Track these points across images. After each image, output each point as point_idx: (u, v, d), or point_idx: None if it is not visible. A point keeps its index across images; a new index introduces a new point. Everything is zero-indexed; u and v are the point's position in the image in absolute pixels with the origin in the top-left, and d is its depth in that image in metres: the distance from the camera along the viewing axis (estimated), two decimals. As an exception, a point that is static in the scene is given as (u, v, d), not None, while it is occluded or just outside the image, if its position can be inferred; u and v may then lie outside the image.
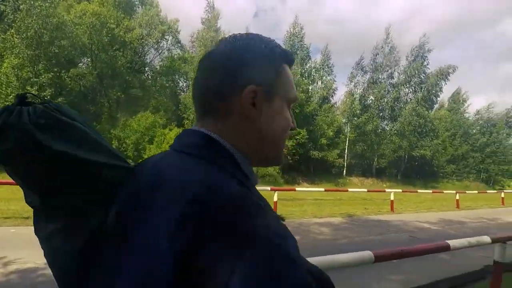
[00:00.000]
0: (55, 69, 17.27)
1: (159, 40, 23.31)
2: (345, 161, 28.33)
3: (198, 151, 0.50)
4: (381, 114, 29.59)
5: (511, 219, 11.18)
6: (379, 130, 28.87)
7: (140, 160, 0.62)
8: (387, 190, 12.73)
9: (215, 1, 27.40)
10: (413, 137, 28.91)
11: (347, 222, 8.86)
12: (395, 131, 28.92)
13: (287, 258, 0.38)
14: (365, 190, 13.45)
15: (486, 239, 3.15)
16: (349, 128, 28.32)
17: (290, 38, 26.43)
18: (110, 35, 19.15)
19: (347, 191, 13.34)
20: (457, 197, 14.07)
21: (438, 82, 29.88)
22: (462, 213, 12.25)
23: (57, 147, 0.47)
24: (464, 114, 39.05)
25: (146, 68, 23.87)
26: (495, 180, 35.56)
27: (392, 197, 11.76)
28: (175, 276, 0.38)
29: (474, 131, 37.48)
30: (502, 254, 3.27)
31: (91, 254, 0.49)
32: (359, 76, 29.18)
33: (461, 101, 39.15)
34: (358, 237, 7.15)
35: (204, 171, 0.46)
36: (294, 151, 23.51)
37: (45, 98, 0.75)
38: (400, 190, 13.22)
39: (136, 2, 23.11)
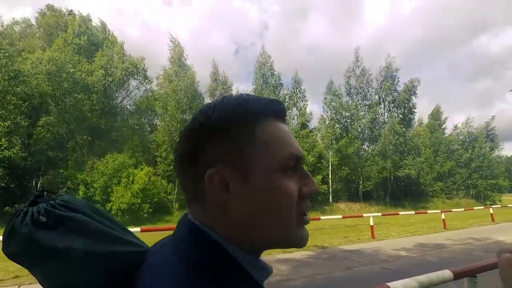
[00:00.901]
0: (17, 118, 16.67)
1: (126, 80, 22.97)
2: (330, 187, 27.37)
3: (183, 248, 0.44)
4: (360, 136, 29.29)
5: (500, 238, 10.28)
6: (361, 152, 28.35)
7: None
8: (364, 214, 11.71)
9: (179, 38, 27.72)
10: (396, 156, 28.46)
11: (314, 256, 7.78)
12: (377, 152, 28.48)
13: None
14: (340, 216, 12.38)
15: (447, 274, 2.36)
16: (331, 153, 27.75)
17: (260, 68, 26.60)
18: (70, 79, 18.70)
19: (319, 219, 12.27)
20: (443, 216, 13.15)
21: (409, 98, 30.22)
22: (448, 234, 11.29)
23: (56, 244, 0.46)
24: (444, 131, 39.37)
25: (118, 110, 23.22)
26: (485, 195, 34.85)
27: (371, 222, 10.77)
28: None
29: (456, 146, 37.40)
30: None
31: None
32: (332, 101, 29.20)
33: (441, 118, 39.64)
34: (320, 275, 6.09)
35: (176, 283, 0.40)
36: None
37: (61, 192, 0.52)
38: (380, 214, 12.23)
39: (95, 46, 22.84)
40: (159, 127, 21.46)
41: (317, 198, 27.24)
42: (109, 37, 23.85)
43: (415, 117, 35.28)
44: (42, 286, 0.51)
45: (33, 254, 0.47)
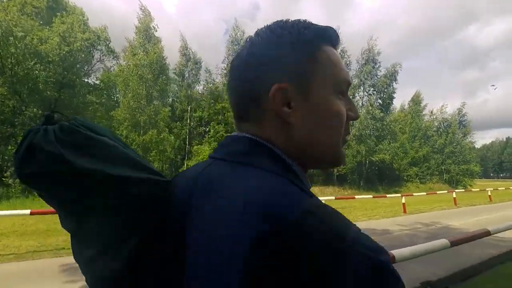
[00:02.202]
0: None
1: (88, 52, 21.16)
2: (303, 170, 27.01)
3: (249, 159, 0.46)
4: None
5: (451, 222, 9.92)
6: (335, 136, 27.88)
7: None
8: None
9: (149, 6, 25.63)
10: (371, 141, 28.10)
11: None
12: (353, 136, 28.01)
13: (392, 276, 0.35)
14: None
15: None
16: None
17: (232, 43, 25.21)
18: (19, 45, 16.93)
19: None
20: (403, 200, 12.78)
21: (389, 83, 29.48)
22: (403, 219, 10.89)
23: (88, 165, 0.44)
24: (424, 117, 39.37)
25: (77, 83, 21.44)
26: (457, 180, 35.39)
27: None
28: None
29: (432, 132, 37.56)
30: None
31: (133, 280, 0.46)
32: None
33: (421, 105, 39.54)
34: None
35: (266, 181, 0.41)
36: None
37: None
38: (333, 198, 11.69)
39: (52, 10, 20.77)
40: (120, 104, 20.00)
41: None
42: (69, 3, 21.76)
43: (396, 103, 35.04)
44: (61, 215, 0.49)
45: (58, 175, 0.43)
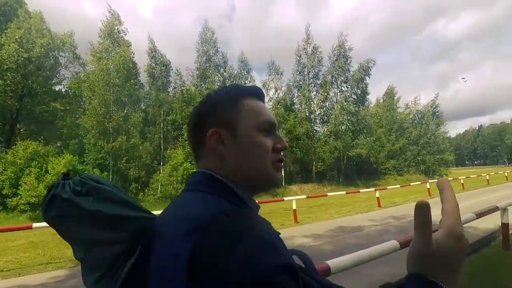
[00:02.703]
0: None
1: (49, 58, 19.99)
2: (282, 169, 26.73)
3: (200, 187, 0.60)
4: (312, 116, 28.60)
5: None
6: (311, 133, 27.75)
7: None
8: (285, 198, 10.83)
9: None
10: (347, 136, 28.27)
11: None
12: (328, 133, 28.09)
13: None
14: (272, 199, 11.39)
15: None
16: (280, 134, 26.93)
17: (202, 44, 24.60)
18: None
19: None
20: (377, 194, 12.70)
21: (362, 78, 29.77)
22: (376, 214, 10.78)
23: (91, 207, 0.59)
24: (398, 110, 40.17)
25: (38, 92, 20.14)
26: (433, 170, 36.32)
27: (294, 206, 9.89)
28: None
29: (407, 124, 38.39)
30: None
31: None
32: (275, 80, 28.08)
33: (395, 97, 40.34)
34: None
35: (204, 202, 0.55)
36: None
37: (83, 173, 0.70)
38: (304, 196, 11.44)
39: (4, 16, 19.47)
40: (86, 111, 18.93)
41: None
42: (25, 7, 20.46)
43: (370, 97, 35.49)
44: (74, 249, 0.63)
45: (73, 216, 0.59)
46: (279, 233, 0.53)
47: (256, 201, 0.64)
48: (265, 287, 0.40)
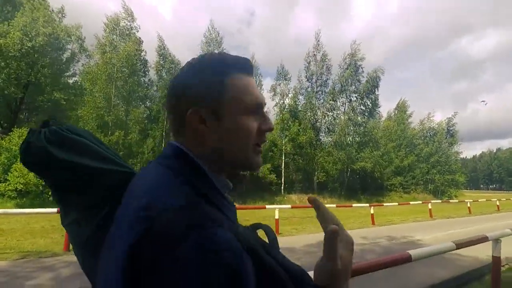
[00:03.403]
0: None
1: (52, 49, 20.01)
2: (283, 176, 26.00)
3: (167, 161, 0.59)
4: (317, 125, 27.82)
5: (419, 236, 9.06)
6: (314, 142, 26.93)
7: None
8: (268, 206, 10.20)
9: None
10: (352, 148, 27.34)
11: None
12: (333, 143, 27.26)
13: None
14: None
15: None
16: (283, 141, 26.23)
17: (207, 44, 24.32)
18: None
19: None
20: (372, 211, 11.91)
21: (371, 89, 28.84)
22: (367, 231, 10.02)
23: (65, 157, 0.63)
24: (410, 125, 38.89)
25: (42, 81, 20.18)
26: (442, 190, 34.75)
27: (276, 216, 9.25)
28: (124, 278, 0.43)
29: (419, 141, 37.01)
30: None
31: (97, 242, 0.57)
32: (282, 86, 27.49)
33: (406, 112, 39.10)
34: None
35: (165, 186, 0.52)
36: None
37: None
38: (289, 206, 10.76)
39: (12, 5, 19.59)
40: (86, 103, 18.86)
41: (271, 188, 25.88)
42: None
43: (379, 110, 34.45)
44: (52, 193, 0.68)
45: (46, 163, 0.63)
46: (238, 226, 0.54)
47: (229, 183, 0.63)
48: None
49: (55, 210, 6.42)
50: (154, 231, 0.44)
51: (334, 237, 0.55)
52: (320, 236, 6.19)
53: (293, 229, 10.15)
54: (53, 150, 0.63)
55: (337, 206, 12.59)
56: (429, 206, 14.59)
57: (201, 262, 0.41)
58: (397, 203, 14.78)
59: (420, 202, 16.05)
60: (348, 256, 0.57)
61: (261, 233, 0.60)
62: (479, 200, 20.62)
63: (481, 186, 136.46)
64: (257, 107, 0.62)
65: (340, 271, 0.55)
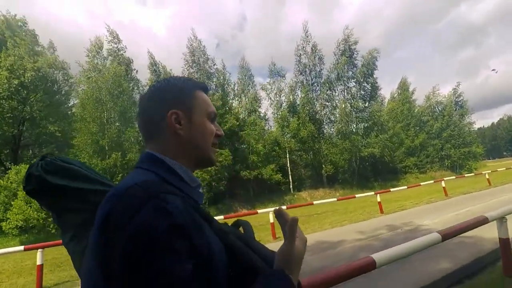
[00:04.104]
0: None
1: (43, 82, 20.05)
2: (290, 175, 25.27)
3: (142, 164, 0.70)
4: (317, 117, 26.93)
5: (427, 220, 8.27)
6: (316, 135, 26.06)
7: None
8: (259, 211, 9.58)
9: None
10: (357, 135, 26.35)
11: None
12: (335, 133, 26.35)
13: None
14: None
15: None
16: (285, 139, 25.50)
17: (191, 53, 23.91)
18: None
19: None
20: (379, 199, 11.11)
21: (369, 72, 27.76)
22: (370, 223, 9.26)
23: (58, 182, 0.79)
24: (414, 102, 37.43)
25: (35, 116, 20.21)
26: (460, 164, 33.13)
27: (271, 219, 8.63)
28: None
29: (427, 117, 35.50)
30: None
31: None
32: (277, 82, 26.79)
33: (409, 90, 37.66)
34: None
35: (134, 175, 0.64)
36: (219, 175, 20.29)
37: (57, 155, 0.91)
38: (284, 207, 10.06)
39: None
40: (79, 131, 18.75)
41: (280, 188, 25.19)
42: (19, 32, 20.77)
43: (381, 92, 33.29)
44: (51, 215, 0.86)
45: (43, 189, 0.79)
46: (198, 204, 0.67)
47: (196, 178, 0.74)
48: (147, 244, 0.50)
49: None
50: (121, 203, 0.54)
51: (295, 223, 0.66)
52: (318, 235, 5.34)
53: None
54: (48, 177, 0.79)
55: (338, 200, 11.73)
56: (443, 184, 13.59)
57: (154, 219, 0.51)
58: (406, 187, 13.81)
59: (432, 181, 15.02)
60: (301, 249, 0.66)
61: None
62: (498, 170, 19.34)
63: (504, 153, 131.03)
64: (214, 116, 0.80)
65: (294, 255, 0.64)
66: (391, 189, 12.90)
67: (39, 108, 20.24)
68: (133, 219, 0.51)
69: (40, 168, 0.78)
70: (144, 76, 25.18)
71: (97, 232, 0.54)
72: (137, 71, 26.11)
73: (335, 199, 11.71)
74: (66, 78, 21.65)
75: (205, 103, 0.78)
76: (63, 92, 22.71)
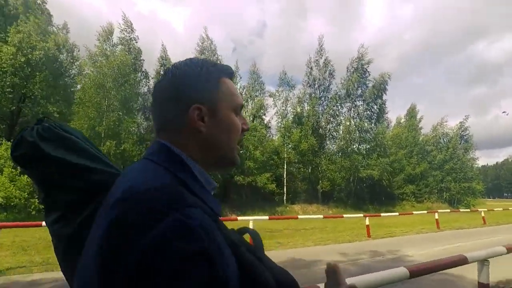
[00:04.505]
0: None
1: (51, 61, 20.03)
2: (285, 186, 24.89)
3: (153, 156, 0.59)
4: (320, 131, 26.63)
5: (413, 251, 7.89)
6: (317, 149, 25.73)
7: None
8: (240, 218, 9.30)
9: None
10: (358, 155, 25.97)
11: None
12: (336, 149, 26.02)
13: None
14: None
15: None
16: (285, 149, 25.21)
17: (201, 52, 23.86)
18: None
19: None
20: (367, 222, 10.73)
21: (378, 94, 27.54)
22: (355, 245, 8.90)
23: (54, 153, 0.65)
24: (421, 131, 37.05)
25: (36, 96, 20.16)
26: (458, 199, 32.49)
27: (251, 227, 8.30)
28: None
29: (431, 147, 35.04)
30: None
31: (78, 243, 0.56)
32: (285, 92, 26.64)
33: (417, 117, 37.35)
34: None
35: (145, 172, 0.55)
36: (212, 177, 19.90)
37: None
38: (267, 217, 9.79)
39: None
40: (76, 114, 18.64)
41: (274, 198, 24.82)
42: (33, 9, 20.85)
43: (387, 116, 33.04)
44: (38, 189, 0.69)
45: (34, 157, 0.65)
46: (216, 216, 0.53)
47: (213, 180, 0.64)
48: (160, 267, 0.40)
49: None
50: (135, 210, 0.44)
51: (334, 271, 0.74)
52: (296, 251, 5.00)
53: (275, 242, 9.17)
54: (42, 145, 0.65)
55: (324, 217, 11.37)
56: (436, 216, 13.18)
57: (177, 237, 0.42)
58: (397, 213, 13.41)
59: (425, 211, 14.59)
60: None
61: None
62: (495, 209, 18.83)
63: (505, 194, 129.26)
64: (240, 108, 0.68)
65: None
66: (382, 214, 12.49)
67: (42, 87, 20.21)
68: (148, 234, 0.42)
69: (35, 134, 0.66)
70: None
71: (102, 235, 0.45)
72: (143, 62, 26.09)
73: (321, 216, 11.31)
74: (72, 60, 21.60)
75: (232, 94, 0.67)
76: (67, 75, 22.75)
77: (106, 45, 20.13)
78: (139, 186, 0.49)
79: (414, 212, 13.81)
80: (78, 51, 22.25)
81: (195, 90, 0.62)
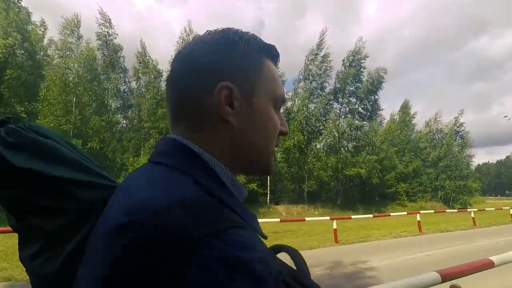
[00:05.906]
0: None
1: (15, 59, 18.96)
2: (268, 186, 23.74)
3: (164, 159, 0.44)
4: (308, 128, 25.36)
5: (378, 263, 6.72)
6: (303, 146, 24.52)
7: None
8: None
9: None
10: (347, 153, 24.78)
11: None
12: (324, 147, 24.84)
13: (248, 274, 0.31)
14: None
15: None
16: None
17: (182, 45, 22.78)
18: None
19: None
20: (334, 226, 9.56)
21: (372, 89, 26.32)
22: (315, 253, 7.77)
23: (23, 164, 0.45)
24: (414, 127, 35.83)
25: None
26: (454, 198, 31.23)
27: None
28: None
29: (425, 144, 33.79)
30: None
31: (67, 278, 0.43)
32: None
33: (410, 113, 36.13)
34: None
35: (159, 182, 0.39)
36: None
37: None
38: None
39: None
40: (40, 111, 17.59)
41: (258, 199, 23.70)
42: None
43: (381, 113, 31.84)
44: (6, 214, 0.49)
45: (0, 172, 0.46)
46: (265, 237, 0.42)
47: (244, 188, 0.48)
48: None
49: None
50: (152, 239, 0.31)
51: None
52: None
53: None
54: (6, 153, 0.45)
55: (281, 221, 10.22)
56: (418, 217, 11.99)
57: (229, 275, 0.30)
58: (371, 215, 12.20)
59: (405, 213, 13.39)
60: None
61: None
62: (487, 209, 17.61)
63: (507, 192, 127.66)
64: (282, 103, 0.52)
65: None
66: (352, 216, 11.31)
67: (11, 85, 19.15)
68: (182, 280, 0.29)
69: None
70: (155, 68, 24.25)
71: (103, 276, 0.32)
72: (124, 59, 25.04)
73: (278, 219, 10.18)
74: (47, 58, 20.54)
75: (274, 80, 0.50)
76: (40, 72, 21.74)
77: (71, 38, 19.01)
78: (153, 202, 0.34)
79: (390, 214, 12.57)
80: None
81: (227, 65, 0.46)
